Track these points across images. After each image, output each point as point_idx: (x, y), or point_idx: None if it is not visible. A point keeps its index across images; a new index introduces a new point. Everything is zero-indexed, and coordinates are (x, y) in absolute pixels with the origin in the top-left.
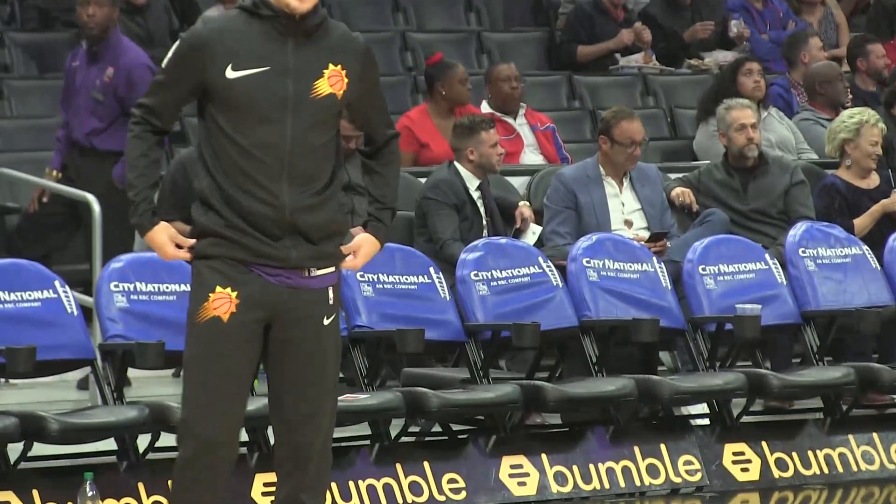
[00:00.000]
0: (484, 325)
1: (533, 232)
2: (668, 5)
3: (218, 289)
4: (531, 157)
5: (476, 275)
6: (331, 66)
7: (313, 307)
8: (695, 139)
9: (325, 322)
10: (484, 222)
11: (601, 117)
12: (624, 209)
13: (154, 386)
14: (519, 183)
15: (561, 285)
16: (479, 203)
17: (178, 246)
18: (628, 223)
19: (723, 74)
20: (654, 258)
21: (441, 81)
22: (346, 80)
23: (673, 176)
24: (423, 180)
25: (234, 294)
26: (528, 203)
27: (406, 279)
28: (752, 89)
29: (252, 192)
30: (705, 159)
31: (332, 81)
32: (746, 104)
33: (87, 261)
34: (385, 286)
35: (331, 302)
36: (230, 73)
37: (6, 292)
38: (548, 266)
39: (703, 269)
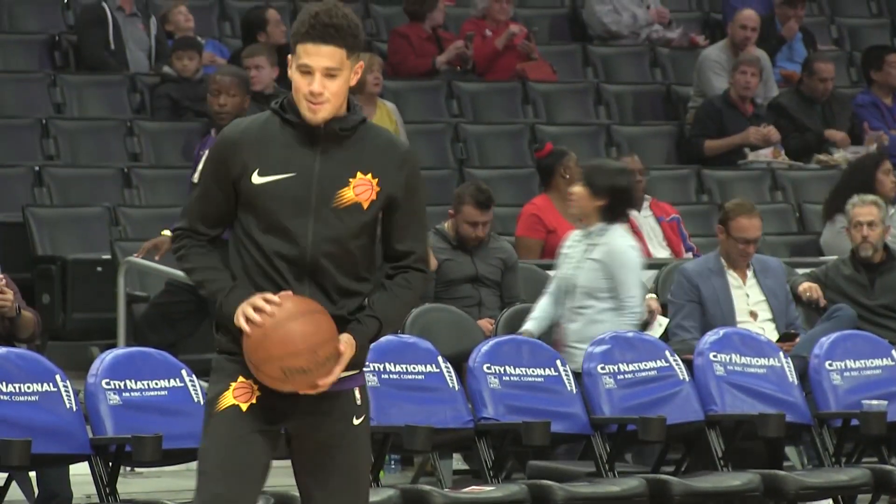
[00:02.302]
0: (610, 419)
1: (660, 324)
2: (798, 98)
3: (241, 378)
4: (657, 249)
5: (603, 368)
6: (359, 175)
7: (340, 408)
8: (822, 235)
9: (355, 422)
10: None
11: (722, 208)
12: (749, 301)
13: (275, 476)
14: (645, 276)
15: (687, 379)
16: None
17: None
18: (753, 315)
19: (852, 170)
20: (781, 352)
21: (562, 167)
22: (376, 190)
23: (800, 271)
24: (549, 272)
25: (255, 386)
26: (654, 296)
27: (533, 371)
28: (890, 188)
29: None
30: (832, 255)
31: (358, 190)
32: (870, 201)
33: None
34: (511, 378)
35: (358, 402)
36: (256, 179)
37: (133, 381)
38: (674, 359)
39: (830, 365)
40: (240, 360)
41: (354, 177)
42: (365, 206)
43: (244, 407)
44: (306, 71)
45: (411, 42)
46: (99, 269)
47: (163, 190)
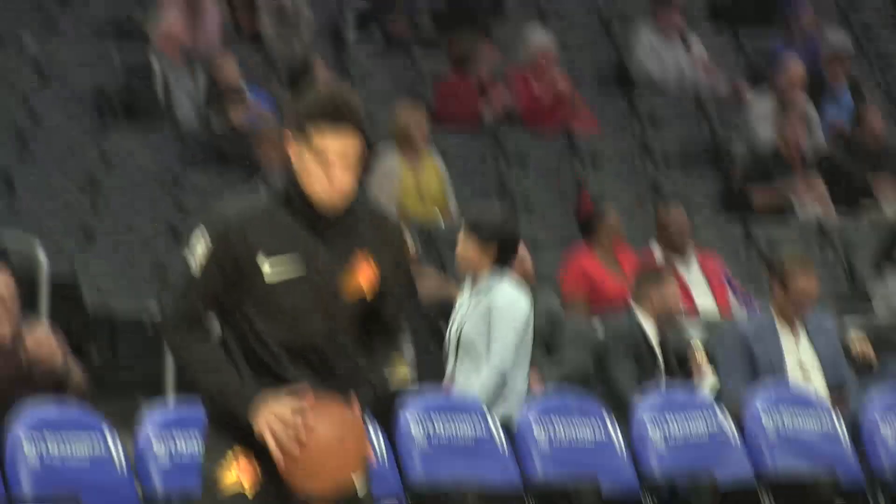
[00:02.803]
0: (660, 478)
1: (709, 381)
2: (846, 150)
3: (238, 448)
4: (706, 303)
5: (652, 424)
6: (361, 259)
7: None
8: (872, 288)
9: (360, 495)
10: (660, 370)
11: (776, 263)
12: (799, 357)
13: None
14: (694, 329)
15: (737, 436)
16: (657, 350)
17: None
18: (803, 371)
19: None
20: (832, 410)
21: (599, 220)
22: (376, 272)
23: (851, 326)
24: (597, 326)
25: (257, 459)
26: (703, 350)
27: (581, 428)
28: None
29: (274, 380)
30: (883, 310)
31: (360, 275)
32: None
33: None
34: (560, 437)
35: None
36: (261, 266)
37: (182, 437)
38: (725, 418)
39: (883, 423)
40: (235, 428)
41: (357, 261)
42: (366, 288)
43: (250, 493)
44: (321, 155)
45: (457, 93)
46: (148, 323)
47: None
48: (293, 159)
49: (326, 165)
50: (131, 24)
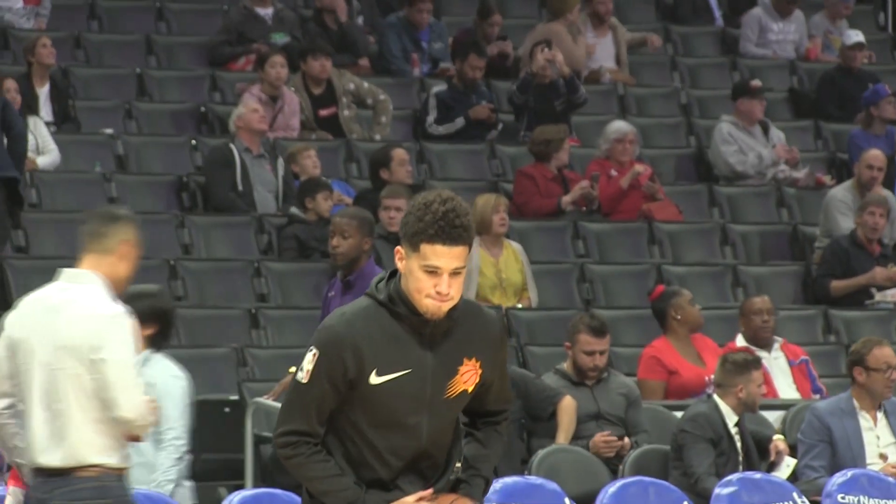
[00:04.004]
0: None
1: (787, 465)
2: None
3: None
4: (786, 391)
5: None
6: (465, 362)
7: None
8: None
9: None
10: (739, 457)
11: (851, 350)
12: (879, 443)
13: None
14: (774, 417)
15: None
16: (737, 438)
17: None
18: (883, 457)
19: None
20: None
21: (672, 308)
22: (479, 372)
23: None
24: (675, 413)
25: None
26: (782, 437)
27: None
28: None
29: (382, 489)
30: None
31: (465, 378)
32: None
33: None
34: None
35: None
36: (374, 379)
37: None
38: (802, 501)
39: None
40: None
41: (462, 364)
42: (470, 390)
43: None
44: (433, 271)
45: (537, 182)
46: (226, 409)
47: (290, 330)
48: (402, 269)
49: (436, 278)
50: (211, 113)
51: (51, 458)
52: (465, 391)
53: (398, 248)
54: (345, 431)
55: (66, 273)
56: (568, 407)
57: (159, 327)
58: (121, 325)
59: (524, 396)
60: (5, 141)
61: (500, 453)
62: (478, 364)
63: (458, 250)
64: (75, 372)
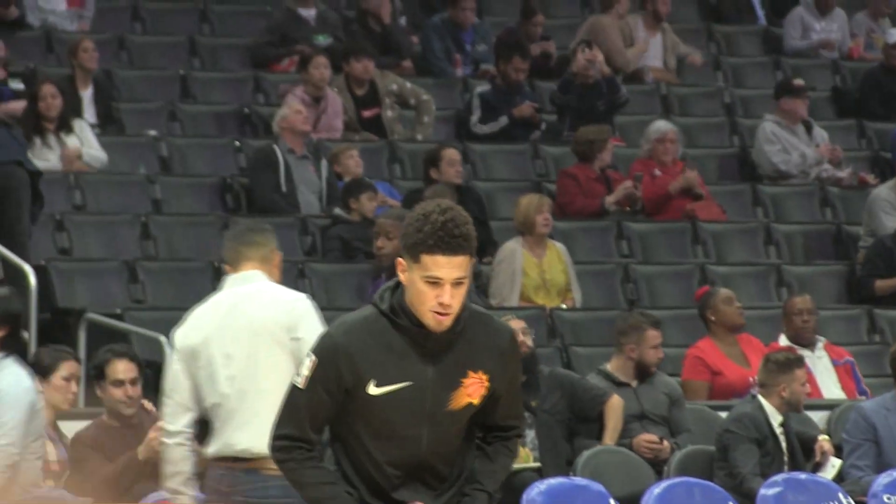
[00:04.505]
0: None
1: (833, 465)
2: None
3: None
4: (830, 391)
5: None
6: (470, 374)
7: None
8: None
9: None
10: (785, 457)
11: None
12: None
13: None
14: (818, 417)
15: None
16: (781, 438)
17: None
18: None
19: None
20: None
21: (709, 309)
22: (486, 385)
23: None
24: (720, 413)
25: None
26: (827, 437)
27: None
28: None
29: (384, 499)
30: None
31: (470, 390)
32: None
33: None
34: None
35: None
36: (372, 390)
37: None
38: (848, 501)
39: None
40: None
41: (467, 377)
42: (476, 402)
43: None
44: (434, 282)
45: (580, 182)
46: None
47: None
48: (404, 280)
49: (438, 289)
50: (254, 115)
51: (245, 445)
52: (470, 403)
53: (399, 259)
54: (348, 442)
55: (236, 277)
56: (616, 406)
57: (9, 330)
58: (309, 308)
59: (571, 396)
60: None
61: (508, 469)
62: (485, 377)
63: (459, 260)
64: (274, 355)
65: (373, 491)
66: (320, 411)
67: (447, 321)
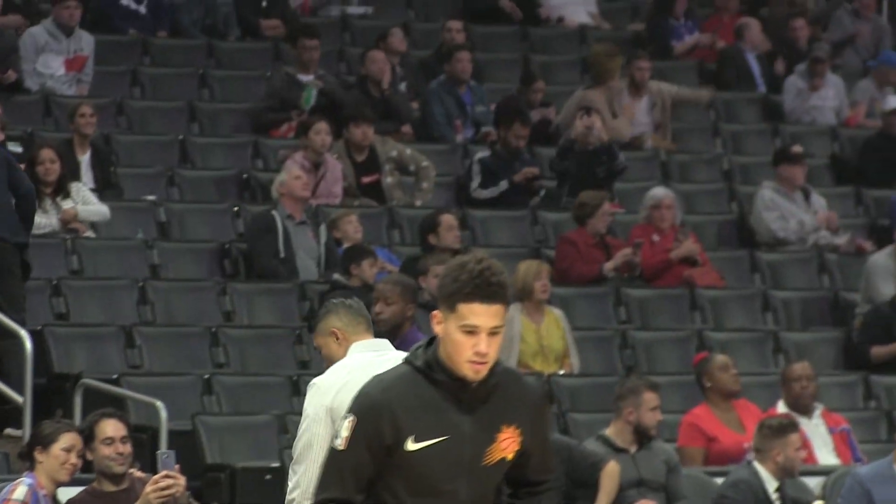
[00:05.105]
0: None
1: None
2: None
3: None
4: (826, 457)
5: None
6: (504, 429)
7: None
8: None
9: None
10: None
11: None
12: None
13: None
14: (814, 483)
15: None
16: (776, 503)
17: None
18: None
19: None
20: None
21: (704, 375)
22: (519, 440)
23: None
24: (715, 479)
25: None
26: (823, 503)
27: None
28: None
29: None
30: None
31: (504, 445)
32: None
33: None
34: None
35: None
36: (411, 446)
37: None
38: None
39: None
40: None
41: (501, 431)
42: (510, 457)
43: None
44: (472, 331)
45: (579, 248)
46: (268, 476)
47: None
48: (439, 332)
49: (475, 338)
50: (253, 180)
51: None
52: (503, 458)
53: (435, 311)
54: (383, 499)
55: (370, 342)
56: (612, 472)
57: None
58: None
59: (567, 462)
60: (12, 201)
61: None
62: (518, 431)
63: (496, 308)
64: None
65: None
66: (363, 471)
67: (484, 370)
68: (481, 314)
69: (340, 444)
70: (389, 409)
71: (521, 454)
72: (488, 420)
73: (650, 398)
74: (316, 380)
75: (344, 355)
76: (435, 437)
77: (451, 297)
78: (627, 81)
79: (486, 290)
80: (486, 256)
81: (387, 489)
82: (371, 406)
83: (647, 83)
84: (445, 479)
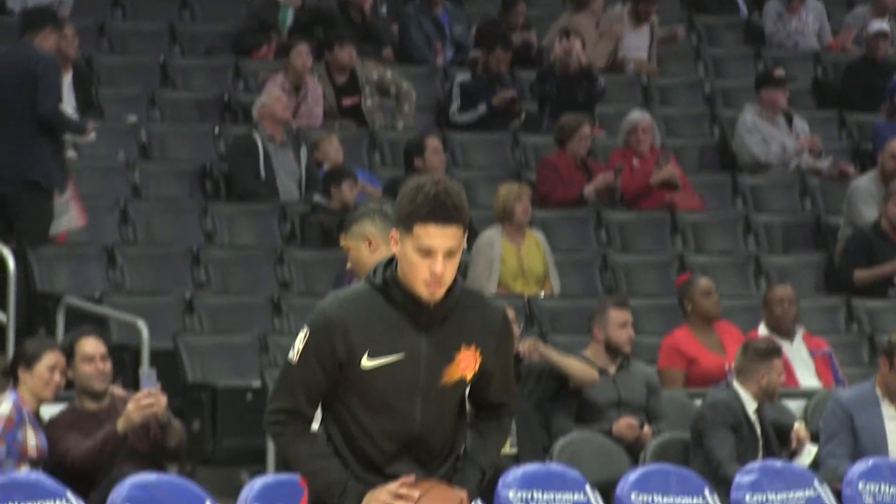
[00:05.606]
0: None
1: (808, 453)
2: None
3: None
4: (807, 380)
5: (751, 497)
6: (463, 349)
7: None
8: None
9: None
10: (759, 445)
11: (886, 340)
12: None
13: None
14: (795, 406)
15: None
16: (756, 425)
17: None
18: None
19: None
20: None
21: (686, 298)
22: (478, 360)
23: None
24: (695, 401)
25: None
26: (804, 424)
27: (680, 500)
28: None
29: (378, 473)
30: None
31: (463, 365)
32: None
33: None
34: None
35: None
36: (365, 363)
37: None
38: (823, 489)
39: None
40: None
41: (459, 351)
42: (468, 378)
43: None
44: (427, 252)
45: (560, 171)
46: (249, 396)
47: None
48: (396, 252)
49: (430, 259)
50: (234, 102)
51: None
52: (462, 379)
53: (392, 232)
54: (341, 415)
55: None
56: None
57: None
58: None
59: (548, 374)
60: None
61: (501, 445)
62: (477, 352)
63: (452, 230)
64: None
65: (364, 465)
66: (313, 385)
67: (439, 291)
68: (437, 236)
69: (293, 357)
70: (343, 325)
71: (480, 376)
72: (446, 340)
73: (616, 315)
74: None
75: (372, 264)
76: (390, 356)
77: (408, 219)
78: (629, 9)
79: (442, 212)
80: (443, 178)
81: (343, 405)
82: (325, 322)
83: (651, 18)
84: (401, 397)
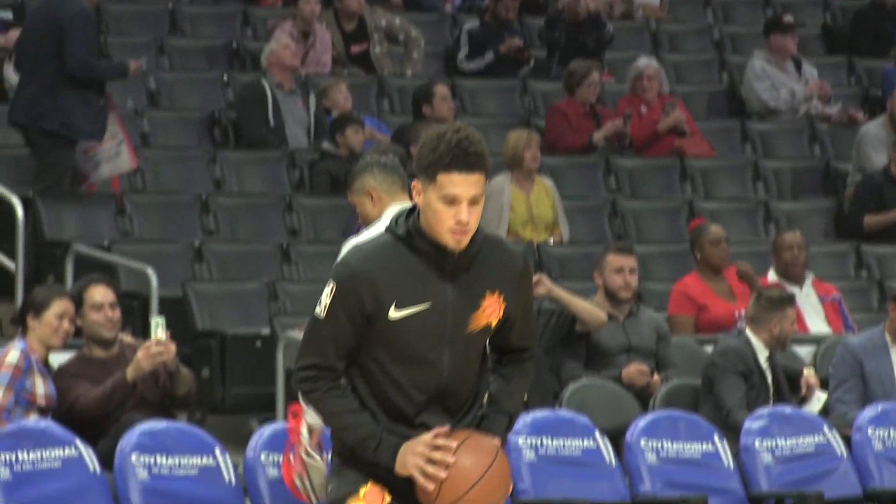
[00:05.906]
0: (767, 494)
1: (818, 399)
2: None
3: (370, 484)
4: (817, 326)
5: (760, 443)
6: (487, 295)
7: None
8: None
9: None
10: (770, 391)
11: (894, 285)
12: None
13: None
14: (805, 352)
15: (846, 454)
16: (767, 372)
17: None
18: None
19: None
20: None
21: (696, 246)
22: (502, 306)
23: None
24: (706, 347)
25: (385, 490)
26: (813, 370)
27: (690, 447)
28: None
29: (407, 424)
30: None
31: (487, 312)
32: None
33: None
34: (669, 453)
35: None
36: (393, 314)
37: None
38: (833, 435)
39: None
40: (367, 468)
41: (484, 297)
42: (493, 324)
43: None
44: (452, 201)
45: (569, 118)
46: (258, 343)
47: (321, 265)
48: (419, 203)
49: (455, 207)
50: (243, 50)
51: None
52: (487, 325)
53: (415, 182)
54: (367, 367)
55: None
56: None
57: None
58: None
59: (558, 315)
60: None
61: (525, 389)
62: (500, 298)
63: (475, 178)
64: None
65: (393, 417)
66: (342, 339)
67: (465, 239)
68: (460, 184)
69: (321, 312)
70: (369, 277)
71: (504, 321)
72: (471, 287)
73: (613, 259)
74: (353, 240)
75: (379, 216)
76: (417, 305)
77: (431, 168)
78: None
79: (465, 159)
80: (463, 126)
81: (370, 357)
82: (351, 275)
83: None
84: (428, 346)
